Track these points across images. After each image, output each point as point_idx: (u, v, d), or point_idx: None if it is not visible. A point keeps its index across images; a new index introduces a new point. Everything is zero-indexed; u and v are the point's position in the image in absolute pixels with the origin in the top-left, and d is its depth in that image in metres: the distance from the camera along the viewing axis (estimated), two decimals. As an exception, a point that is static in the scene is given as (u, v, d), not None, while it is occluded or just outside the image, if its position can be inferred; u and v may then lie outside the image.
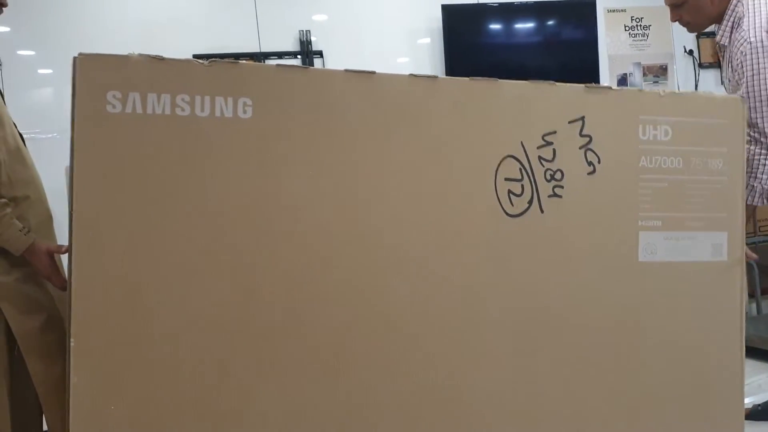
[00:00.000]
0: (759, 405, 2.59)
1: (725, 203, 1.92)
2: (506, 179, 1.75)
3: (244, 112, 1.58)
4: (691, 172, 1.89)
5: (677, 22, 2.39)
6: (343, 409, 1.63)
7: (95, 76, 1.50)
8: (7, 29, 3.38)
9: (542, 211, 1.78)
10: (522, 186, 1.76)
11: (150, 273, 1.50)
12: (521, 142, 1.76)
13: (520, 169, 1.76)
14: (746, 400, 2.32)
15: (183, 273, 1.53)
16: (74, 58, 1.49)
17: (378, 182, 1.66)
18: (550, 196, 1.79)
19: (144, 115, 1.52)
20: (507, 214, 1.76)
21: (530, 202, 1.77)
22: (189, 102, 1.55)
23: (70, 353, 1.46)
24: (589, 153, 1.81)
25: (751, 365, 2.91)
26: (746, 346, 1.95)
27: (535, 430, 1.76)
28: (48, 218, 2.04)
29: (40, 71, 3.63)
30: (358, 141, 1.64)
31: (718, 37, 2.38)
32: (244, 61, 1.60)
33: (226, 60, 1.58)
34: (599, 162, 1.82)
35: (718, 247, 1.91)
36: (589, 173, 1.81)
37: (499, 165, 1.75)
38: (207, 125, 1.55)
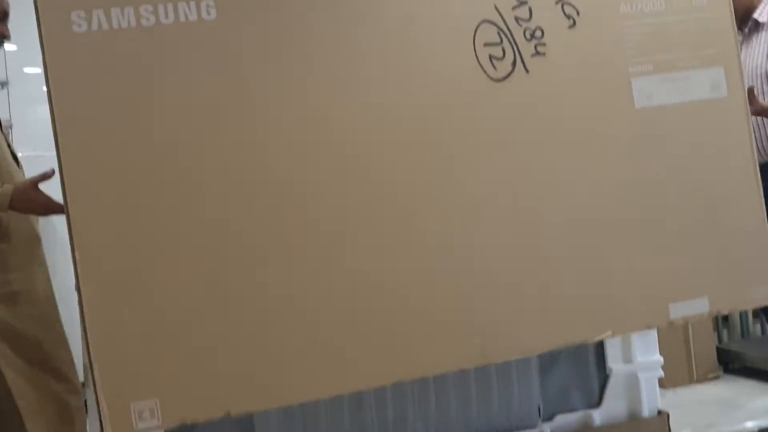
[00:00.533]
0: (766, 429, 2.49)
1: (715, 38, 1.87)
2: (485, 44, 1.73)
3: (208, 13, 1.57)
4: (674, 12, 1.85)
5: None
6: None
7: (57, -1, 1.50)
8: (13, 47, 3.28)
9: (527, 71, 1.75)
10: (503, 49, 1.74)
11: (140, 169, 1.52)
12: (494, 5, 1.74)
13: (498, 33, 1.74)
14: (751, 424, 2.34)
15: (171, 166, 1.54)
16: (31, -21, 1.50)
17: (352, 66, 1.65)
18: (533, 55, 1.76)
19: (110, 31, 1.53)
20: (492, 79, 1.74)
21: (514, 64, 1.75)
22: (153, 11, 1.55)
23: (76, 265, 1.47)
24: (566, 6, 1.78)
25: (757, 387, 2.88)
26: (751, 368, 1.95)
27: (551, 288, 1.74)
28: (33, 237, 2.04)
29: (44, 88, 3.70)
30: (325, 30, 1.63)
31: (756, 14, 2.33)
32: (200, -37, 1.59)
33: (182, -36, 1.58)
34: (578, 14, 1.79)
35: (717, 83, 1.87)
36: (569, 27, 1.78)
37: (475, 31, 1.73)
38: (173, 32, 1.55)
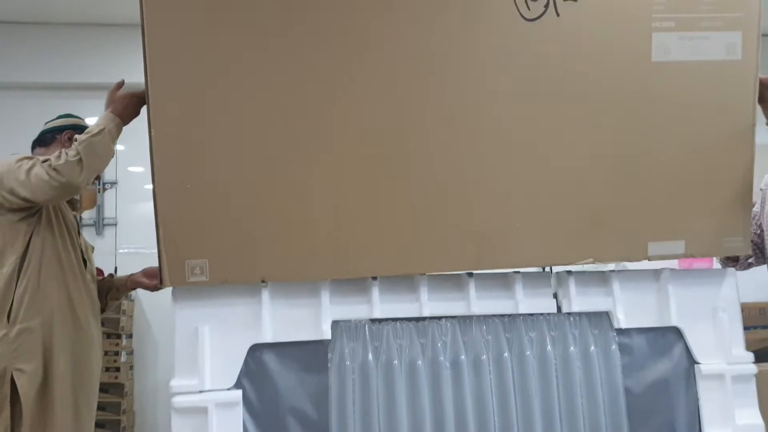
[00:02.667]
0: None
1: (740, 3, 1.99)
2: (523, -16, 1.89)
3: None
4: (705, -28, 1.96)
5: None
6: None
7: None
8: (121, 147, 3.07)
9: (558, 14, 1.92)
10: (538, -10, 1.90)
11: (217, 69, 1.79)
12: (536, -51, 1.88)
13: (536, -26, 1.89)
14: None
15: (240, 70, 1.80)
16: None
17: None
18: (565, 0, 1.92)
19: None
20: (525, 18, 1.91)
21: (546, 6, 1.91)
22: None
23: (151, 140, 1.78)
24: (600, -43, 1.91)
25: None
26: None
27: (544, 213, 1.98)
28: (81, 342, 2.04)
29: (147, 186, 3.37)
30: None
31: None
32: None
33: None
34: (613, -35, 1.92)
35: (733, 46, 2.01)
36: (603, -23, 1.92)
37: (515, -29, 1.89)
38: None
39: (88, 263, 2.13)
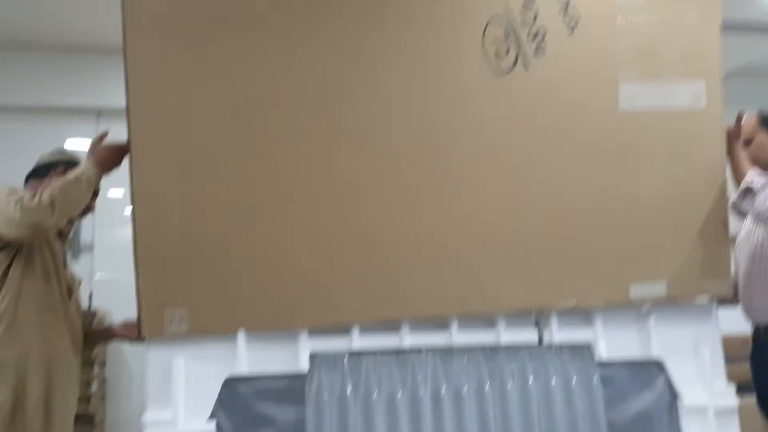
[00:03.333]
0: None
1: (701, 54, 2.10)
2: (493, 41, 2.02)
3: None
4: (666, 26, 2.08)
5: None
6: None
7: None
8: None
9: (527, 69, 2.03)
10: (507, 46, 2.02)
11: (196, 120, 1.87)
12: (504, 7, 2.01)
13: (505, 32, 2.02)
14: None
15: (222, 118, 1.88)
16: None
17: (378, 46, 1.96)
18: (534, 55, 2.03)
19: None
20: (495, 72, 2.01)
21: (515, 61, 2.03)
22: None
23: (133, 186, 1.85)
24: (568, 15, 2.04)
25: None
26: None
27: (528, 256, 2.02)
28: (58, 374, 1.99)
29: (127, 212, 3.26)
30: (358, 8, 1.95)
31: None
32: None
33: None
34: (578, 22, 2.04)
35: (697, 94, 2.10)
36: (569, 33, 2.04)
37: (485, 28, 2.01)
38: None
39: (73, 295, 2.11)
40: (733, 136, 2.16)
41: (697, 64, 2.11)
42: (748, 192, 2.14)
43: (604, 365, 1.98)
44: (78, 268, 2.02)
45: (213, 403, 1.79)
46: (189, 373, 1.82)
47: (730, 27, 2.76)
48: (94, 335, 2.23)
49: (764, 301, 2.25)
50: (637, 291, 2.06)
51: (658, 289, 2.07)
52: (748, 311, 2.31)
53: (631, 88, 2.08)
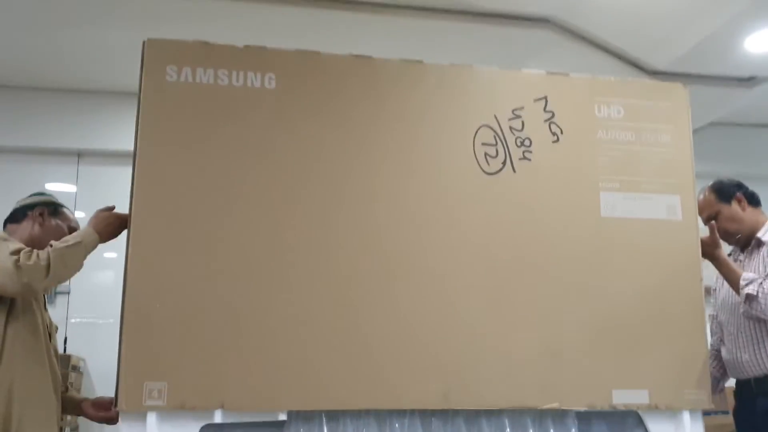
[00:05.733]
0: None
1: (675, 170, 2.25)
2: (483, 144, 2.14)
3: (269, 83, 2.03)
4: (643, 144, 2.25)
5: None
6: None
7: (159, 55, 1.99)
8: (82, 214, 3.16)
9: (514, 171, 2.15)
10: (496, 150, 2.15)
11: (196, 198, 1.94)
12: (494, 115, 2.17)
13: (494, 136, 2.15)
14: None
15: (223, 198, 1.95)
16: (143, 42, 1.98)
17: (374, 143, 2.07)
18: (520, 159, 2.16)
19: (194, 84, 1.99)
20: (484, 172, 2.13)
21: (504, 163, 2.15)
22: (227, 75, 2.01)
23: (128, 261, 1.87)
24: (552, 125, 2.20)
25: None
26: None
27: (512, 356, 2.03)
28: (40, 417, 1.99)
29: (106, 255, 3.26)
30: (358, 107, 2.07)
31: (760, 234, 2.44)
32: (270, 47, 2.08)
33: (257, 45, 2.07)
34: (562, 133, 2.20)
35: (673, 207, 2.23)
36: (553, 141, 2.19)
37: (476, 132, 2.15)
38: (240, 92, 2.01)
39: (52, 339, 2.08)
40: (709, 244, 2.25)
41: (672, 179, 2.25)
42: (751, 298, 2.21)
43: (582, 416, 2.03)
44: (54, 311, 1.99)
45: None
46: (162, 424, 1.81)
47: (711, 79, 2.89)
48: (65, 403, 2.14)
49: (754, 356, 2.29)
50: (619, 397, 2.07)
51: (640, 396, 2.09)
52: (736, 365, 2.34)
53: (610, 197, 2.19)
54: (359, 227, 2.02)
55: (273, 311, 1.92)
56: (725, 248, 2.34)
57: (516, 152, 2.16)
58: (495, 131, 2.16)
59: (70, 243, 1.92)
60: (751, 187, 2.53)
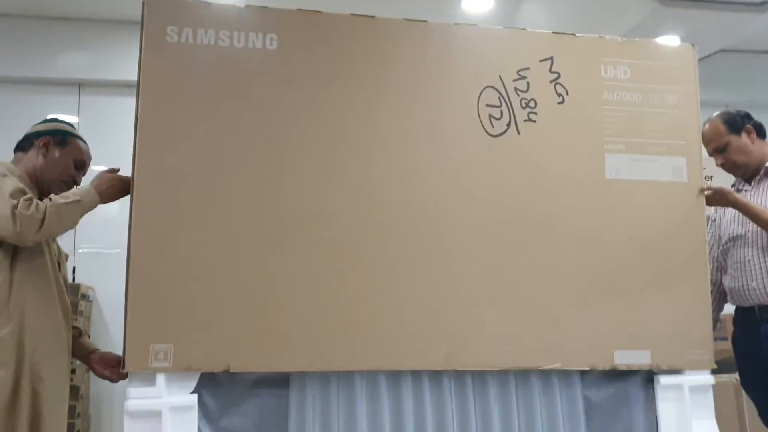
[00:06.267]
0: None
1: (681, 132, 2.23)
2: (487, 105, 2.12)
3: (271, 44, 2.00)
4: (649, 105, 2.22)
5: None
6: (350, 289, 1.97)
7: (159, 15, 1.95)
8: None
9: (519, 133, 2.13)
10: (501, 111, 2.12)
11: (198, 160, 1.92)
12: (499, 75, 2.14)
13: (499, 98, 2.13)
14: None
15: (225, 159, 1.94)
16: (143, 2, 1.95)
17: (377, 103, 2.05)
18: (525, 121, 2.14)
19: (194, 44, 1.96)
20: (489, 134, 2.11)
21: (508, 125, 2.13)
22: (229, 36, 1.98)
23: (131, 224, 1.87)
24: (558, 86, 2.17)
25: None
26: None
27: (515, 318, 2.04)
28: (52, 347, 1.99)
29: None
30: (360, 67, 2.04)
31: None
32: (271, 7, 2.04)
33: (258, 5, 2.03)
34: (567, 94, 2.17)
35: (678, 169, 2.21)
36: (559, 103, 2.16)
37: (480, 93, 2.12)
38: (242, 53, 1.98)
39: (62, 268, 2.07)
40: (722, 193, 2.25)
41: (678, 141, 2.23)
42: None
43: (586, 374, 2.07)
44: (61, 241, 2.00)
45: (197, 377, 1.82)
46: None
47: (722, 4, 2.80)
48: (76, 348, 2.15)
49: (762, 284, 2.33)
50: (621, 357, 2.08)
51: (642, 357, 2.10)
52: (742, 293, 2.37)
53: (615, 159, 2.18)
54: (362, 188, 2.01)
55: (277, 274, 1.93)
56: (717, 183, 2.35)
57: (521, 114, 2.14)
58: (500, 92, 2.13)
59: (69, 200, 1.91)
60: (760, 115, 2.52)
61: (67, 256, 2.20)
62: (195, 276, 1.88)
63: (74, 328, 2.16)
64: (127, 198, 1.93)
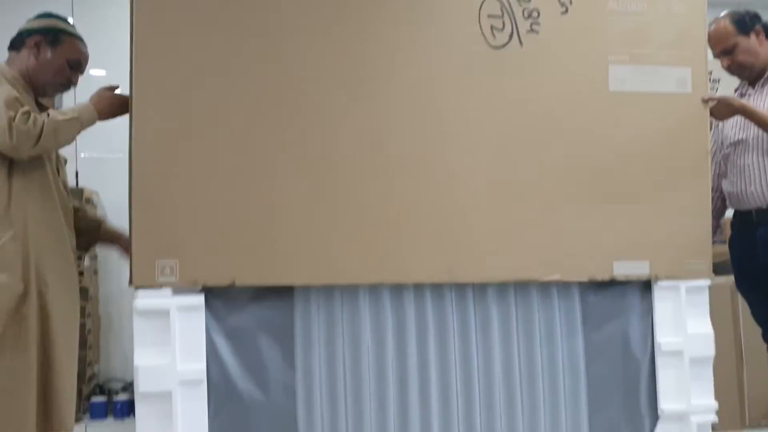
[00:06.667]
0: None
1: (687, 42, 2.18)
2: (489, 16, 2.07)
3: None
4: (654, 14, 2.16)
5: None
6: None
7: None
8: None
9: (521, 45, 2.09)
10: (503, 22, 2.08)
11: (198, 76, 1.90)
12: (501, -16, 2.08)
13: (501, 8, 2.08)
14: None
15: (227, 74, 1.92)
16: None
17: (377, 14, 2.02)
18: (528, 32, 2.09)
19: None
20: (490, 46, 2.07)
21: (510, 36, 2.08)
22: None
23: (131, 135, 1.86)
24: (561, -4, 2.11)
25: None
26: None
27: (514, 230, 2.06)
28: (57, 251, 1.99)
29: None
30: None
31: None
32: None
33: None
34: (571, 4, 2.12)
35: (683, 80, 2.18)
36: (562, 13, 2.11)
37: (482, 4, 2.07)
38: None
39: (61, 172, 2.07)
40: (728, 101, 2.24)
41: (683, 51, 2.18)
42: None
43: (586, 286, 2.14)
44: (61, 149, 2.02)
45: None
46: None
47: None
48: (102, 234, 2.20)
49: (760, 188, 2.36)
50: (620, 268, 2.10)
51: (640, 267, 2.12)
52: (741, 197, 2.40)
53: (619, 70, 2.14)
54: (363, 102, 2.00)
55: (282, 188, 1.94)
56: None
57: (523, 24, 2.09)
58: (502, 2, 2.08)
59: (68, 117, 1.90)
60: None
61: (66, 160, 2.18)
62: (198, 192, 1.89)
63: (95, 220, 2.19)
64: None
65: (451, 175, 2.03)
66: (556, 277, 2.06)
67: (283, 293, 1.95)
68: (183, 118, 1.90)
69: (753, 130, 2.35)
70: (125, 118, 1.91)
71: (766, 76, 2.42)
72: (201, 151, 1.90)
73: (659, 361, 2.12)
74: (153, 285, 1.86)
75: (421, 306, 2.03)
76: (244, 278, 1.91)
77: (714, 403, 2.14)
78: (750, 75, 2.46)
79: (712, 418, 2.14)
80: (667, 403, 2.11)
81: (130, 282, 1.87)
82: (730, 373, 3.16)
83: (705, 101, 2.17)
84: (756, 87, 2.45)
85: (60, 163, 2.10)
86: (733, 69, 2.41)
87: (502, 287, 2.07)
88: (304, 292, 1.96)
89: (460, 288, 2.05)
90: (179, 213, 1.88)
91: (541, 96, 2.10)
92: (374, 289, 2.00)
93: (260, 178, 1.93)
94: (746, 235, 2.41)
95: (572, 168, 2.10)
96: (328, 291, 1.98)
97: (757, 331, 2.60)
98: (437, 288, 2.04)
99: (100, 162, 3.39)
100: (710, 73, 2.27)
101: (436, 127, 2.03)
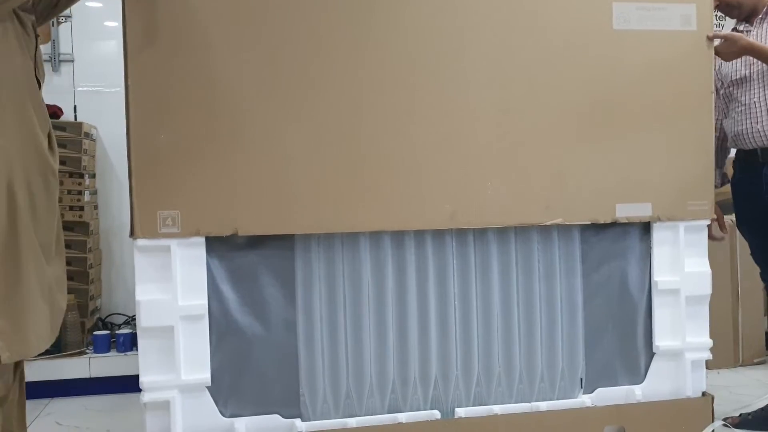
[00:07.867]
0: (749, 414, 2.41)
1: (692, -23, 2.13)
2: (491, -47, 2.01)
3: None
4: (659, -51, 2.11)
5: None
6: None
7: None
8: None
9: (525, -17, 2.04)
10: (505, -41, 2.02)
11: (196, 25, 1.85)
12: None
13: (503, -56, 2.02)
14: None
15: (225, 25, 1.87)
16: None
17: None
18: (531, -31, 2.04)
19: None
20: (493, -16, 2.02)
21: (512, -24, 2.03)
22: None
23: (128, 91, 1.83)
24: (565, -69, 2.05)
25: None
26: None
27: (517, 174, 2.05)
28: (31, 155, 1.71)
29: (107, 23, 3.41)
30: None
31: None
32: None
33: None
34: (576, -61, 2.06)
35: (687, 17, 2.14)
36: (566, -52, 2.06)
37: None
38: None
39: (38, 69, 1.82)
40: (732, 40, 2.21)
41: (689, -14, 2.13)
42: None
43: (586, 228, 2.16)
44: (60, 79, 1.93)
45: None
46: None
47: None
48: None
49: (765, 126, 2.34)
50: (622, 211, 2.11)
51: (643, 209, 2.13)
52: (745, 135, 2.38)
53: (624, 8, 2.10)
54: (363, 47, 1.96)
55: (282, 136, 1.92)
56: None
57: (526, -39, 2.04)
58: (504, -61, 2.02)
59: None
60: None
61: (44, 74, 1.91)
62: (197, 142, 1.87)
63: None
64: None
65: (453, 121, 2.02)
66: (558, 220, 2.07)
67: (284, 241, 1.97)
68: (181, 66, 1.85)
69: (757, 66, 2.32)
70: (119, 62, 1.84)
71: (763, 11, 2.39)
72: (200, 101, 1.87)
73: (656, 300, 2.16)
74: (155, 236, 1.85)
75: (422, 248, 2.05)
76: (247, 228, 1.91)
77: (708, 341, 2.18)
78: (739, 14, 2.43)
79: (706, 355, 2.19)
80: (662, 340, 2.15)
81: (132, 233, 1.86)
82: (725, 313, 3.20)
83: (710, 39, 2.14)
84: (755, 24, 2.41)
85: (41, 77, 1.85)
86: (722, 8, 2.39)
87: (503, 231, 2.09)
88: (305, 235, 1.98)
89: (461, 232, 2.06)
90: (179, 163, 1.86)
91: (545, 36, 2.06)
92: (375, 234, 2.02)
93: (261, 127, 1.91)
94: (751, 174, 2.40)
95: (575, 109, 2.08)
96: (328, 246, 2.00)
97: (754, 271, 2.62)
98: (438, 233, 2.05)
99: (97, 95, 3.29)
100: (715, 12, 2.22)
101: (437, 72, 2.00)
